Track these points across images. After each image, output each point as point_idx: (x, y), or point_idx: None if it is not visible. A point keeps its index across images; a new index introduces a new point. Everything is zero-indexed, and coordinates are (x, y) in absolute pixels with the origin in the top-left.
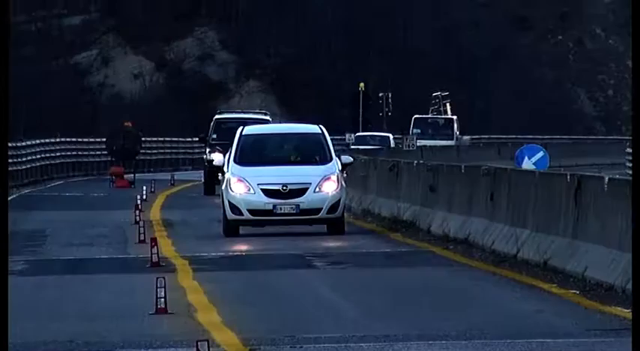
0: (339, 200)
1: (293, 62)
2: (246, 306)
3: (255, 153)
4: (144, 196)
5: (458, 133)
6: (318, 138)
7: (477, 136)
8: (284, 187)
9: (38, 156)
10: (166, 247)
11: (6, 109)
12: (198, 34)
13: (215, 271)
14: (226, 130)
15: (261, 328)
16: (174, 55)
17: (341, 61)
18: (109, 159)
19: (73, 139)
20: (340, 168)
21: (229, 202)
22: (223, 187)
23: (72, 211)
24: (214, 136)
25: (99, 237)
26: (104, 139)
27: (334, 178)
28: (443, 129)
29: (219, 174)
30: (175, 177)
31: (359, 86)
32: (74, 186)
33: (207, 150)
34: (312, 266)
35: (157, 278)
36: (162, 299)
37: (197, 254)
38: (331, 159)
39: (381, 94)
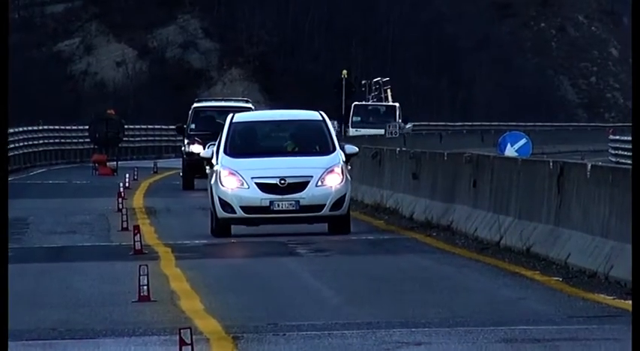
0: (344, 195)
1: (276, 50)
2: (229, 293)
3: (248, 143)
4: (127, 184)
5: (400, 120)
6: (318, 125)
7: (419, 124)
8: (282, 181)
9: (21, 144)
10: (149, 235)
11: (6, 110)
12: (180, 21)
13: (198, 258)
14: (205, 120)
15: (243, 315)
16: (156, 42)
17: (324, 49)
18: (92, 146)
19: (56, 127)
20: (344, 159)
21: (219, 199)
22: (212, 181)
23: (54, 198)
24: (193, 126)
25: (81, 225)
26: (87, 127)
27: (338, 170)
28: (385, 117)
29: (208, 167)
30: (158, 165)
31: (342, 74)
32: (57, 173)
33: (186, 141)
34: (295, 254)
35: (140, 266)
36: (145, 287)
37: (180, 242)
38: (334, 149)
39: (363, 82)
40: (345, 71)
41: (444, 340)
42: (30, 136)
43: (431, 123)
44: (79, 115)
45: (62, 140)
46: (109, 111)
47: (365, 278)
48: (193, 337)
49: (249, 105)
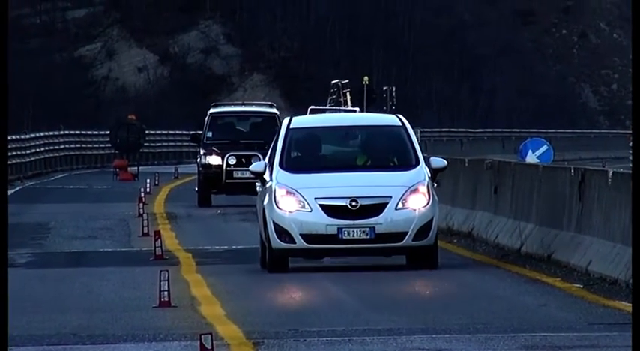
0: (431, 220)
1: (297, 56)
2: (249, 299)
3: (309, 154)
4: (147, 189)
5: None
6: (397, 132)
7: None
8: (353, 203)
9: (42, 149)
10: (170, 240)
11: (6, 111)
12: (202, 27)
13: (219, 264)
14: (224, 127)
15: (264, 321)
16: (178, 48)
17: (345, 55)
18: (113, 152)
19: (77, 132)
20: (430, 175)
21: (274, 224)
22: (265, 201)
23: (76, 203)
24: (209, 134)
25: (102, 230)
26: (108, 132)
27: (423, 189)
28: None
29: (258, 184)
30: (179, 170)
31: (363, 80)
32: (78, 179)
33: (202, 151)
34: (314, 260)
35: (161, 271)
36: (166, 292)
37: (200, 247)
38: (418, 162)
39: (385, 88)
40: (366, 77)
41: (464, 346)
42: (51, 141)
43: (452, 129)
44: (100, 120)
45: (83, 145)
46: (130, 116)
47: (385, 284)
48: (214, 342)
49: (274, 110)
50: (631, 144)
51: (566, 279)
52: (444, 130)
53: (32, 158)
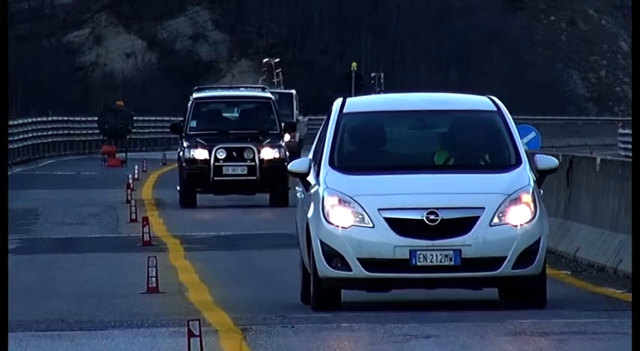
0: (538, 241)
1: (285, 42)
2: (237, 285)
3: (371, 149)
4: (136, 176)
5: (297, 112)
6: (491, 120)
7: (315, 117)
8: (431, 217)
9: (30, 135)
10: (158, 227)
11: (6, 111)
12: (190, 13)
13: (207, 250)
14: (210, 115)
15: (252, 307)
16: (166, 34)
17: (333, 41)
18: (101, 138)
19: (65, 118)
20: (535, 178)
21: (322, 245)
22: (309, 213)
23: (64, 189)
24: (193, 123)
25: (90, 216)
26: (96, 118)
27: (528, 197)
28: (279, 107)
29: (299, 188)
30: (167, 156)
31: (351, 66)
32: (66, 165)
33: (185, 143)
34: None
35: (149, 257)
36: (154, 278)
37: (189, 234)
38: (519, 161)
39: (373, 75)
40: (354, 64)
41: (453, 333)
42: (39, 126)
43: None
44: (88, 106)
45: (71, 131)
46: (118, 102)
47: None
48: (202, 328)
49: (267, 94)
50: (620, 131)
51: (554, 265)
52: None
53: (20, 144)
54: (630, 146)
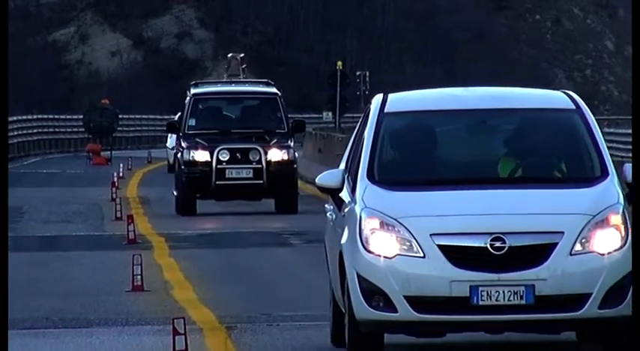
0: (628, 275)
1: (270, 40)
2: (222, 283)
3: (419, 158)
4: (121, 174)
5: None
6: (570, 121)
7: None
8: (497, 244)
9: (15, 133)
10: (143, 225)
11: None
12: (176, 11)
13: (191, 248)
14: (210, 112)
15: (237, 305)
16: (151, 32)
17: (319, 40)
18: (86, 136)
19: (50, 116)
20: (625, 192)
21: (360, 279)
22: (343, 239)
23: (49, 187)
24: (192, 121)
25: (75, 214)
26: (81, 117)
27: (617, 219)
28: None
29: (329, 206)
30: (152, 154)
31: (336, 65)
32: (51, 163)
33: (183, 144)
34: (287, 244)
35: (134, 255)
36: (139, 276)
37: (174, 232)
38: (605, 173)
39: (358, 73)
40: (339, 62)
41: None
42: (24, 124)
43: None
44: (73, 104)
45: (56, 129)
46: (103, 101)
47: None
48: (187, 326)
49: (273, 89)
50: (605, 129)
51: None
52: None
53: None
54: (615, 145)
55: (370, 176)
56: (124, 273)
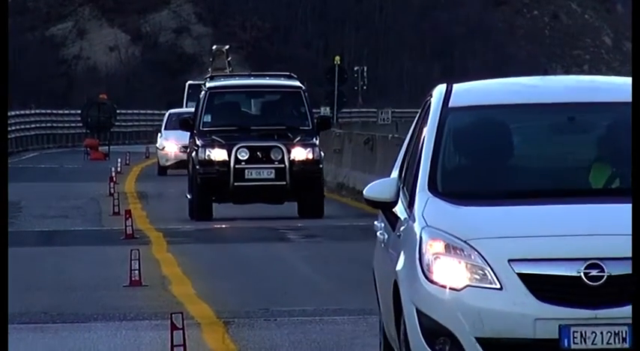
0: None
1: (269, 36)
2: (220, 279)
3: (492, 164)
4: (118, 169)
5: None
6: None
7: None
8: (593, 272)
9: (13, 128)
10: (141, 219)
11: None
12: (174, 6)
13: (189, 243)
14: (227, 108)
15: (235, 300)
16: (149, 27)
17: (316, 35)
18: (84, 131)
19: (48, 111)
20: None
21: (420, 315)
22: (398, 265)
23: (47, 182)
24: (207, 117)
25: (73, 209)
26: (79, 111)
27: None
28: None
29: (378, 224)
30: (150, 149)
31: (334, 60)
32: (49, 158)
33: (199, 142)
34: (285, 239)
35: (132, 250)
36: (137, 271)
37: (171, 227)
38: None
39: (356, 68)
40: (337, 57)
41: None
42: (22, 119)
43: None
44: (71, 99)
45: (54, 124)
46: (101, 96)
47: (356, 265)
48: (185, 321)
49: (296, 83)
50: None
51: None
52: (415, 110)
53: None
54: None
55: (432, 187)
56: (121, 268)
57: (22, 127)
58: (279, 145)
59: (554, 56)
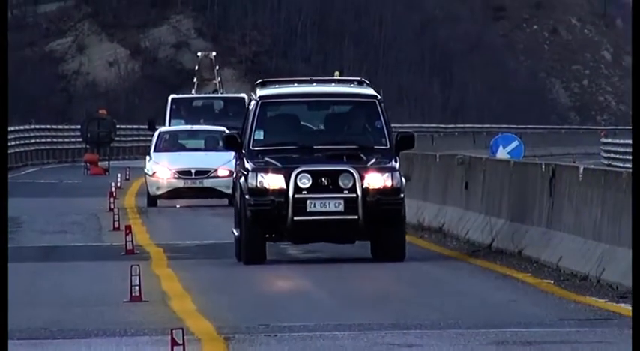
0: None
1: (268, 50)
2: (220, 294)
3: None
4: (118, 184)
5: None
6: None
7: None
8: None
9: (13, 143)
10: (141, 235)
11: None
12: (173, 22)
13: (190, 259)
14: (284, 122)
15: (235, 316)
16: (149, 42)
17: (316, 50)
18: (84, 146)
19: (48, 126)
20: None
21: None
22: None
23: (46, 198)
24: (259, 134)
25: (73, 224)
26: (79, 127)
27: None
28: (222, 116)
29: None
30: None
31: (334, 74)
32: (49, 173)
33: (248, 165)
34: (286, 255)
35: (132, 266)
36: (137, 287)
37: (172, 242)
38: None
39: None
40: (337, 72)
41: (435, 341)
42: (22, 135)
43: (423, 125)
44: (70, 114)
45: (54, 140)
46: (100, 111)
47: (356, 280)
48: (185, 337)
49: (371, 91)
50: (602, 140)
51: (537, 275)
52: (414, 125)
53: None
54: (613, 155)
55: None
56: (122, 283)
57: (22, 142)
58: (349, 169)
59: (553, 71)
